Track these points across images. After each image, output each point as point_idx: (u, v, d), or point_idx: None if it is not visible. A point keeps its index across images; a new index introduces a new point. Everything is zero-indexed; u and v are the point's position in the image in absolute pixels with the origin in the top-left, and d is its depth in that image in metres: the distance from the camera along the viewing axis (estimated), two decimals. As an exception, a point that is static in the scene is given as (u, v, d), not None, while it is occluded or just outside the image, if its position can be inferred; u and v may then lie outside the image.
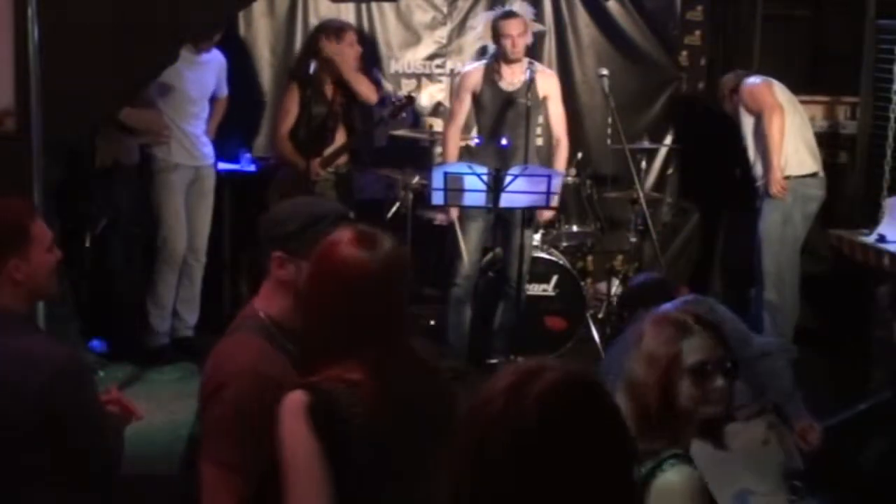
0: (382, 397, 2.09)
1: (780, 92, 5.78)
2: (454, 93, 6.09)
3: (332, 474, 2.04)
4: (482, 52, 6.79)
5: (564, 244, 6.13)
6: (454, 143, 5.76)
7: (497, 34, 5.55)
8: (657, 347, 2.23)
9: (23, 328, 2.65)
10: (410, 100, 6.14)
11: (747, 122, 5.83)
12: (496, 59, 5.64)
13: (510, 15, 5.58)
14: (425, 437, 2.11)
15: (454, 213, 5.66)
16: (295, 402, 2.06)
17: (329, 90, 5.75)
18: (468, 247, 5.64)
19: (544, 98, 5.65)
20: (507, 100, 5.57)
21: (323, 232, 2.30)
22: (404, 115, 6.22)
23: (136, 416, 2.77)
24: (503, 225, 5.66)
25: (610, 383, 2.17)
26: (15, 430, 2.42)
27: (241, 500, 2.17)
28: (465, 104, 5.72)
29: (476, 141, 6.52)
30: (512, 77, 5.59)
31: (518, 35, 5.50)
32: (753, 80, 5.84)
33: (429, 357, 2.34)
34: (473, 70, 5.73)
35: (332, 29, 5.79)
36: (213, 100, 5.90)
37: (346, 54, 5.74)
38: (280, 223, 2.39)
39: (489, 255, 5.99)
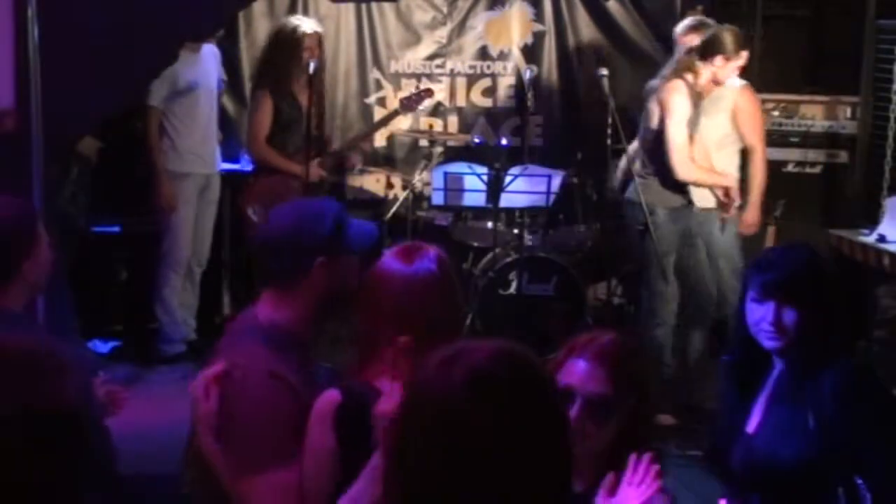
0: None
1: None
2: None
3: (348, 472, 2.09)
4: (482, 52, 6.82)
5: (564, 244, 6.12)
6: None
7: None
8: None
9: (26, 327, 2.66)
10: (429, 92, 6.01)
11: (720, 123, 5.18)
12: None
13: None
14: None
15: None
16: (327, 400, 2.20)
17: (308, 91, 5.43)
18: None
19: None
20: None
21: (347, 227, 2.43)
22: (421, 107, 6.11)
23: (116, 409, 2.76)
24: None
25: None
26: None
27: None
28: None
29: (476, 141, 6.53)
30: None
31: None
32: (742, 82, 5.27)
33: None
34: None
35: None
36: None
37: None
38: (309, 229, 2.42)
39: (488, 256, 5.99)
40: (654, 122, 5.18)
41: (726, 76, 5.06)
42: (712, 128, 5.16)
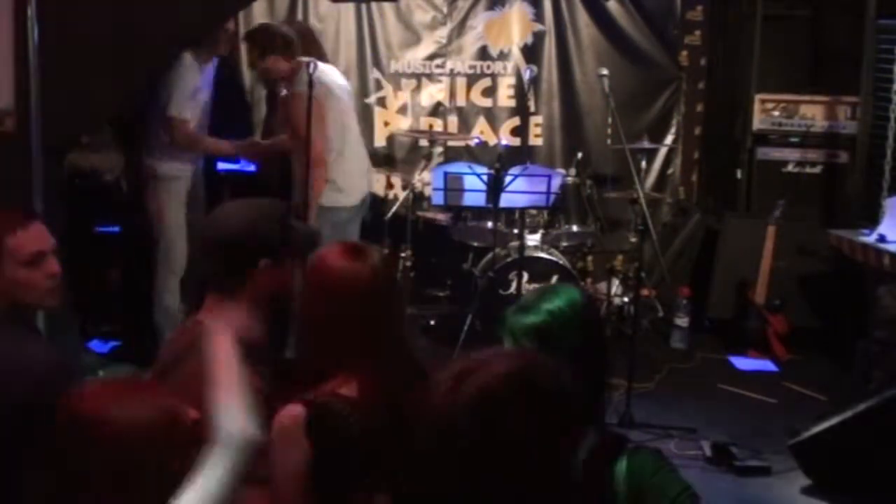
0: (376, 410, 2.11)
1: None
2: None
3: (324, 482, 2.07)
4: (482, 52, 6.83)
5: (564, 244, 6.12)
6: None
7: None
8: None
9: (10, 333, 2.56)
10: None
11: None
12: None
13: None
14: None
15: None
16: (292, 415, 2.10)
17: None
18: None
19: None
20: None
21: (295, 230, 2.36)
22: None
23: None
24: None
25: None
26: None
27: None
28: None
29: (476, 141, 6.54)
30: None
31: None
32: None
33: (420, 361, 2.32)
34: None
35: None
36: None
37: None
38: (255, 230, 2.33)
39: (488, 256, 5.99)
40: None
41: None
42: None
